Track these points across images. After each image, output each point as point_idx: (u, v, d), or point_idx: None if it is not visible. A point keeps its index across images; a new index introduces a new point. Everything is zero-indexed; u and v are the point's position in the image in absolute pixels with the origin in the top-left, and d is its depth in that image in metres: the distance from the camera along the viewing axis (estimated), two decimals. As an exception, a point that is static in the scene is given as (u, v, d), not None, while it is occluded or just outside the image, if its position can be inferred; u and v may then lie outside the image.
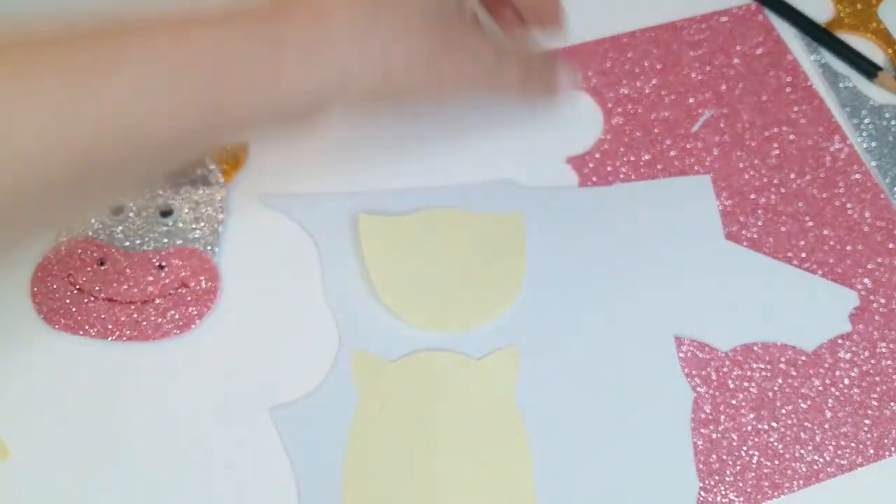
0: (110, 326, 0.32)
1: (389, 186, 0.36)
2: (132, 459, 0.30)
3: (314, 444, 0.30)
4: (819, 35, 0.41)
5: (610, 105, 0.38)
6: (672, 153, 0.37)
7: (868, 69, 0.40)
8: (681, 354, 0.32)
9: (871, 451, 0.31)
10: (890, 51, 0.41)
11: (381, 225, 0.34)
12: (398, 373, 0.32)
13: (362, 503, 0.29)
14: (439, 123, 0.38)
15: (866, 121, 0.38)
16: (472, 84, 0.30)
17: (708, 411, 0.31)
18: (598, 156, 0.37)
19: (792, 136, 0.38)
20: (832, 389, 0.32)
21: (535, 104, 0.35)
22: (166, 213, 0.34)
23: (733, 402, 0.31)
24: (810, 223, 0.35)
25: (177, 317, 0.32)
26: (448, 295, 0.33)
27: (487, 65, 0.30)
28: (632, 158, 0.37)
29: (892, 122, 0.38)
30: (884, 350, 0.33)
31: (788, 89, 0.39)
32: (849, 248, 0.35)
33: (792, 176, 0.37)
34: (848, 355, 0.32)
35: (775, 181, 0.37)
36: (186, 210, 0.35)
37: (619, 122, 0.38)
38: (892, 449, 0.31)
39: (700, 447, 0.31)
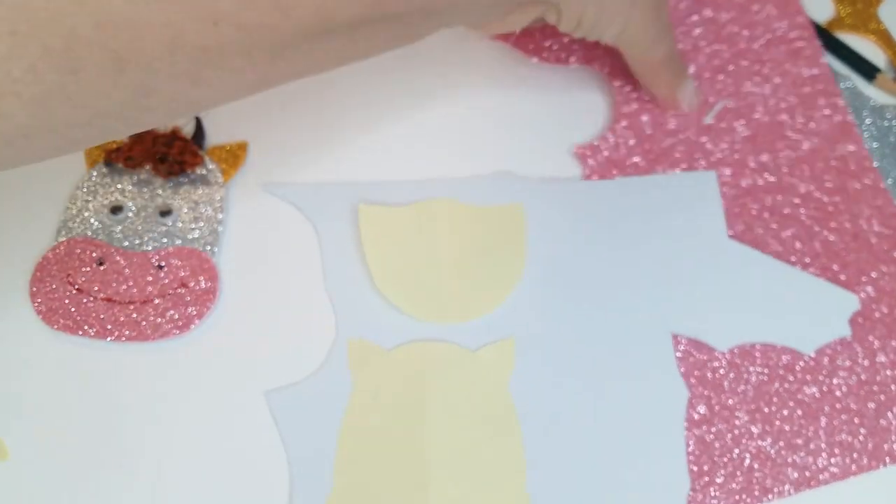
0: (109, 326, 0.32)
1: (391, 177, 0.36)
2: (131, 460, 0.31)
3: (308, 429, 0.31)
4: (819, 35, 0.41)
5: (619, 96, 0.38)
6: (681, 148, 0.36)
7: (867, 71, 0.39)
8: (678, 353, 0.32)
9: (865, 461, 0.31)
10: (890, 52, 0.41)
11: (381, 215, 0.34)
12: (393, 362, 0.32)
13: (353, 489, 0.30)
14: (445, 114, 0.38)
15: (867, 122, 0.38)
16: (657, 54, 0.35)
17: (702, 412, 0.31)
18: (603, 148, 0.36)
19: (804, 139, 0.37)
20: (829, 396, 0.32)
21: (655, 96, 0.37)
22: (165, 212, 0.34)
23: (728, 402, 0.32)
24: (816, 228, 0.35)
25: (176, 317, 0.32)
26: (446, 286, 0.33)
27: (671, 46, 0.35)
28: (638, 151, 0.36)
29: (894, 123, 0.38)
30: (883, 360, 0.33)
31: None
32: (853, 255, 0.35)
33: (801, 179, 0.36)
34: (847, 363, 0.32)
35: (784, 183, 0.36)
36: (186, 210, 0.34)
37: (628, 112, 0.37)
38: (887, 459, 0.31)
39: (692, 447, 0.31)
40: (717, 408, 0.31)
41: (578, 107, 0.38)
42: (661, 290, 0.33)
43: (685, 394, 0.31)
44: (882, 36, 0.41)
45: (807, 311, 0.33)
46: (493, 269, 0.33)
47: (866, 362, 0.32)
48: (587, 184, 0.36)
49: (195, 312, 0.33)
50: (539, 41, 0.38)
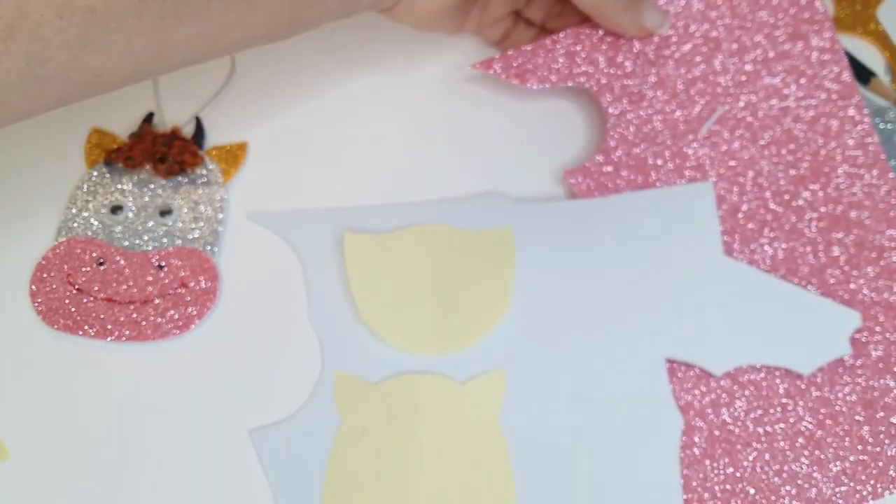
0: (109, 326, 0.32)
1: (378, 201, 0.35)
2: (131, 460, 0.31)
3: (294, 468, 0.30)
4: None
5: (607, 114, 0.36)
6: (672, 163, 0.35)
7: (861, 74, 0.39)
8: (673, 378, 0.31)
9: (869, 489, 0.30)
10: (887, 53, 0.41)
11: (367, 243, 0.33)
12: (381, 396, 0.31)
13: None
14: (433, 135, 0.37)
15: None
16: None
17: (699, 441, 0.31)
18: (592, 169, 0.35)
19: (808, 147, 0.36)
20: (829, 422, 0.31)
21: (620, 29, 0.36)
22: (166, 212, 0.34)
23: (728, 431, 0.31)
24: (819, 240, 0.34)
25: (176, 317, 0.32)
26: (433, 317, 0.32)
27: None
28: (631, 164, 0.35)
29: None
30: (891, 383, 0.32)
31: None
32: (857, 272, 0.33)
33: (805, 194, 0.34)
34: (848, 388, 0.31)
35: (785, 197, 0.34)
36: (186, 210, 0.34)
37: (616, 129, 0.35)
38: (891, 487, 0.30)
39: (692, 479, 0.30)
40: (718, 435, 0.31)
41: (565, 128, 0.37)
42: (653, 313, 0.32)
43: (680, 423, 0.30)
44: (880, 37, 0.41)
45: (805, 330, 0.32)
46: (482, 296, 0.32)
47: (873, 391, 0.31)
48: (576, 203, 0.34)
49: (195, 312, 0.33)
50: (522, 65, 0.36)
